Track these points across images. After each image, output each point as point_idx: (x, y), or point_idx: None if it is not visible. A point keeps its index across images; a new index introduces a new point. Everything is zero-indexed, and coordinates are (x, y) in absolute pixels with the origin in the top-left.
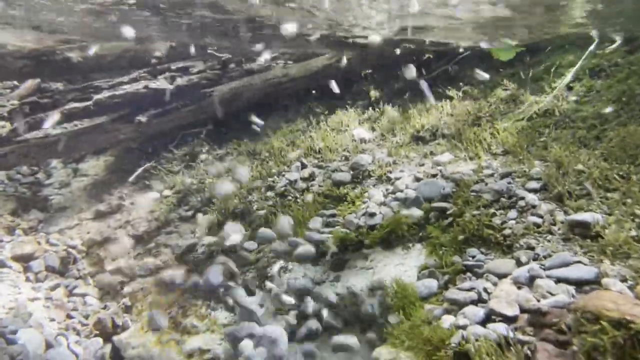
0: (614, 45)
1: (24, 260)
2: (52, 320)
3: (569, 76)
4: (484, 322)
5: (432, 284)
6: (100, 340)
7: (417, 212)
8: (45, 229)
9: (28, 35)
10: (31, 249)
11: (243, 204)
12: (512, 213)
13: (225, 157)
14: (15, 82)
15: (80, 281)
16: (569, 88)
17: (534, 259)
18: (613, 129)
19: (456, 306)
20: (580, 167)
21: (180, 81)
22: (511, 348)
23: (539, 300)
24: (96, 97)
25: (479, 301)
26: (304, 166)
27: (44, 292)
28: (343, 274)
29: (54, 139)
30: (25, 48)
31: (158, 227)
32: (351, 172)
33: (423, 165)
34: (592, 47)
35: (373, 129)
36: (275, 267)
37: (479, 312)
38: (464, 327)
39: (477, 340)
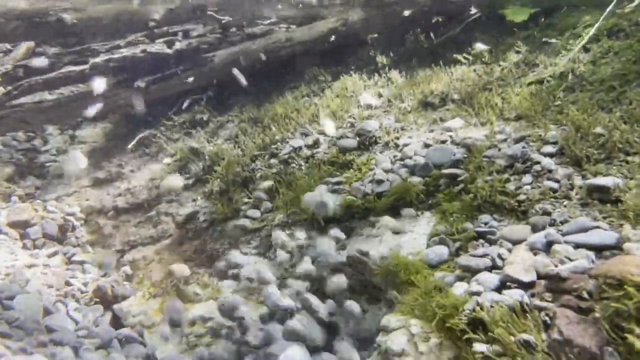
0: (634, 4)
1: (21, 227)
2: (50, 287)
3: (586, 37)
4: (499, 289)
5: (442, 251)
6: (100, 307)
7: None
8: (43, 196)
9: None
10: (28, 215)
11: (246, 171)
12: (527, 178)
13: (227, 124)
14: (8, 46)
15: (78, 249)
16: (586, 49)
17: (551, 225)
18: (633, 90)
19: (469, 273)
20: (599, 130)
21: (179, 45)
22: (527, 315)
23: (556, 266)
24: (93, 60)
25: (493, 267)
26: (308, 133)
27: (42, 259)
28: (349, 242)
29: (49, 104)
30: (17, 9)
31: (158, 195)
32: (357, 139)
33: (432, 131)
34: (610, 7)
35: (380, 95)
36: (281, 235)
37: (494, 278)
38: (478, 294)
39: (492, 306)
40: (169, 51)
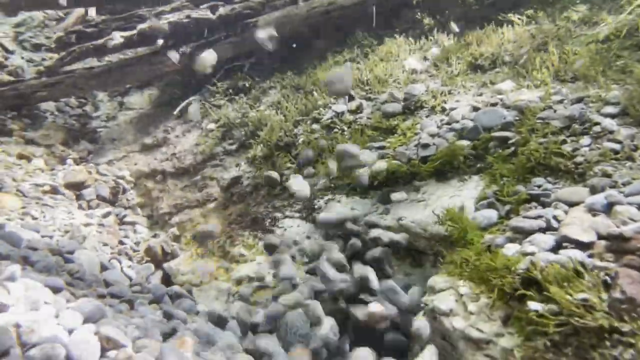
0: None
1: (76, 188)
2: (105, 245)
3: None
4: (554, 249)
5: (491, 214)
6: (151, 266)
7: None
8: (95, 159)
9: None
10: (82, 177)
11: (288, 136)
12: (585, 140)
13: (269, 91)
14: (60, 14)
15: (129, 210)
16: None
17: (611, 187)
18: None
19: (521, 235)
20: None
21: (222, 11)
22: (585, 275)
23: (618, 227)
24: (140, 26)
25: (547, 229)
26: (351, 98)
27: (96, 219)
28: (392, 206)
29: (99, 69)
30: None
31: (203, 160)
32: (402, 103)
33: (481, 94)
34: None
35: (426, 59)
36: (323, 201)
37: (549, 239)
38: (532, 254)
39: (547, 266)
40: (212, 16)
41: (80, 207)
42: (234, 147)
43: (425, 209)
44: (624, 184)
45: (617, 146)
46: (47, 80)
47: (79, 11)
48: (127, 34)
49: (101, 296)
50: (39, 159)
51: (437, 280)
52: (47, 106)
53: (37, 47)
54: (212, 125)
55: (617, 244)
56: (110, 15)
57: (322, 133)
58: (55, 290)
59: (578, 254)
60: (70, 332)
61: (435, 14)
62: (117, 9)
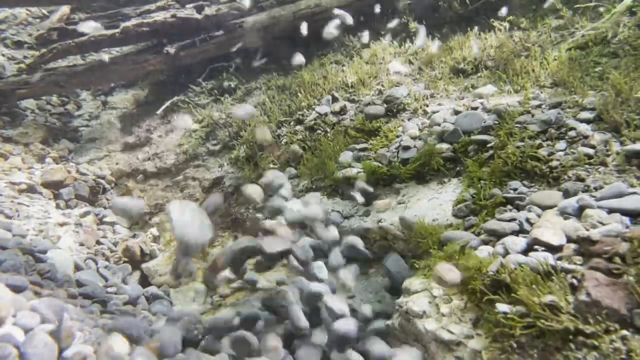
0: None
1: (54, 187)
2: (82, 245)
3: None
4: (525, 252)
5: (468, 217)
6: (129, 267)
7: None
8: (75, 158)
9: None
10: (61, 176)
11: (272, 137)
12: (561, 144)
13: (255, 91)
14: (44, 12)
15: (109, 210)
16: (632, 12)
17: (584, 191)
18: None
19: (494, 237)
20: None
21: (208, 11)
22: (553, 277)
23: (588, 230)
24: (123, 24)
25: (520, 232)
26: (335, 99)
27: (74, 219)
28: (372, 208)
29: (82, 67)
30: None
31: (186, 160)
32: (385, 106)
33: (463, 98)
34: None
35: (410, 63)
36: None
37: (520, 241)
38: (502, 256)
39: (516, 268)
40: (198, 16)
41: (58, 206)
42: (217, 147)
43: (404, 211)
44: (596, 188)
45: (591, 151)
46: (27, 78)
47: (63, 9)
48: (110, 32)
49: (72, 296)
50: (16, 157)
51: (412, 282)
52: (27, 104)
53: (19, 45)
54: (195, 126)
55: (585, 247)
56: (95, 13)
57: (305, 134)
58: (17, 289)
59: (547, 257)
60: (27, 331)
61: (420, 18)
62: (102, 7)
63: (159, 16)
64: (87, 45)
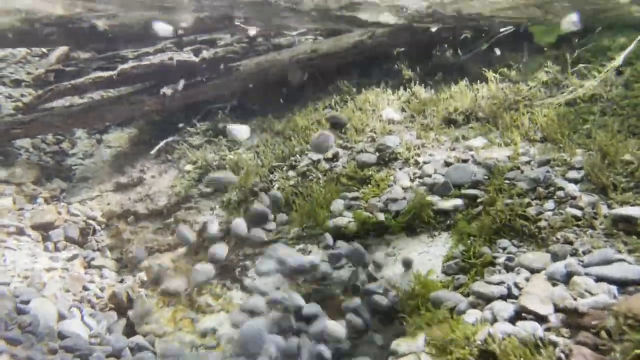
0: None
1: (44, 229)
2: (67, 291)
3: (619, 59)
4: (513, 320)
5: (457, 275)
6: (114, 314)
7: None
8: (67, 198)
9: (58, 1)
10: (51, 218)
11: (264, 182)
12: (550, 204)
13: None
14: (44, 50)
15: (98, 253)
16: (619, 72)
17: (572, 255)
18: None
19: (483, 300)
20: (627, 157)
21: (206, 54)
22: (542, 350)
23: (575, 299)
24: (121, 66)
25: (508, 296)
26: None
27: (62, 263)
28: None
29: (78, 108)
30: (53, 15)
31: (178, 202)
32: (377, 154)
33: (454, 149)
34: None
35: (403, 110)
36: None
37: (508, 308)
38: (490, 324)
39: (504, 338)
40: (195, 59)
41: (46, 248)
42: (209, 189)
43: (394, 264)
44: (584, 252)
45: (579, 213)
46: (23, 118)
47: (62, 48)
48: (107, 74)
49: (52, 351)
50: (7, 197)
51: (400, 343)
52: (22, 143)
53: (17, 83)
54: (189, 167)
55: (573, 319)
56: (94, 54)
57: (298, 180)
58: None
59: (535, 327)
60: None
61: (414, 66)
62: (100, 49)
63: (157, 59)
64: (85, 86)
